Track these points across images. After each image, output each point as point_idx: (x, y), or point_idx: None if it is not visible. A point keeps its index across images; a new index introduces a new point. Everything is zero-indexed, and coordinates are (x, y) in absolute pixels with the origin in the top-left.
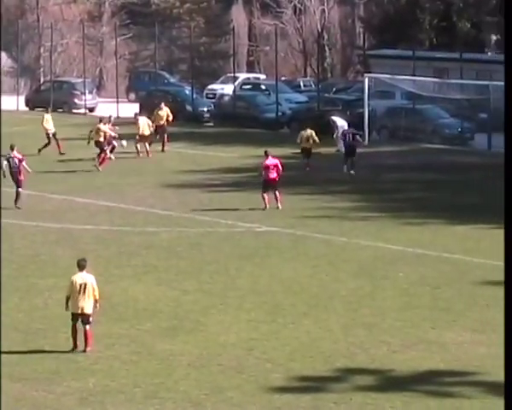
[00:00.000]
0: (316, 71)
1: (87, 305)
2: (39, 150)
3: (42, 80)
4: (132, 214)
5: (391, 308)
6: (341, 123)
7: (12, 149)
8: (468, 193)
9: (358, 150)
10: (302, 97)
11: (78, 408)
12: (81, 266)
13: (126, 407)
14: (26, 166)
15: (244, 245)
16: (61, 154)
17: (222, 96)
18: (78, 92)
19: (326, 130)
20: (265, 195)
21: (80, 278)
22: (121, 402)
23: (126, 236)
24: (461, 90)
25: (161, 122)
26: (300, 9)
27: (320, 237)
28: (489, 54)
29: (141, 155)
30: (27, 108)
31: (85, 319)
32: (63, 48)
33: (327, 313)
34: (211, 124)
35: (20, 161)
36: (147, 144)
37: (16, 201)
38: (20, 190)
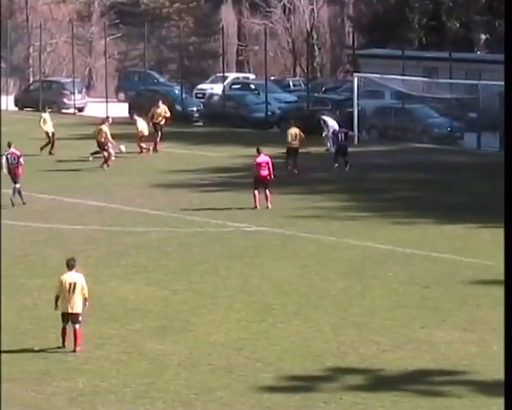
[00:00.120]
0: (305, 70)
1: (77, 304)
2: (41, 149)
3: (31, 80)
4: (122, 214)
5: (380, 308)
6: (332, 123)
7: (9, 145)
8: (457, 192)
9: (349, 150)
10: (291, 97)
11: (67, 408)
12: (70, 265)
13: (116, 407)
14: (23, 165)
15: (234, 245)
16: (51, 154)
17: (211, 95)
18: (68, 92)
19: (315, 129)
20: (256, 193)
21: (69, 277)
22: (111, 402)
23: (116, 236)
24: (450, 90)
25: (159, 120)
26: (290, 9)
27: (309, 237)
28: (478, 53)
29: (144, 151)
30: (16, 108)
31: (75, 318)
32: (52, 47)
33: (317, 313)
34: (200, 123)
35: (19, 156)
36: (143, 144)
37: (13, 196)
38: (17, 186)
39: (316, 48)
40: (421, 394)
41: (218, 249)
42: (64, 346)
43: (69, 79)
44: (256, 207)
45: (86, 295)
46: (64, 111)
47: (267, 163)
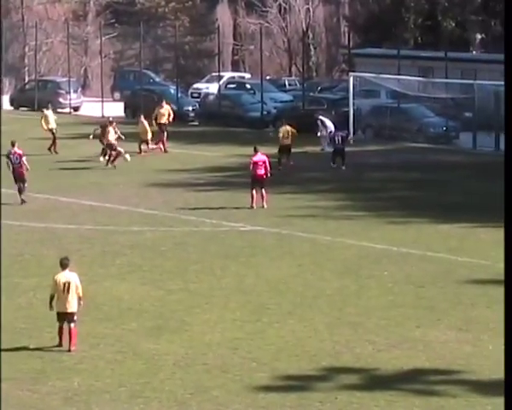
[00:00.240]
0: (301, 70)
1: (72, 303)
2: (49, 149)
3: (26, 79)
4: (117, 214)
5: (376, 307)
6: (329, 123)
7: (13, 145)
8: (452, 192)
9: (344, 154)
10: (287, 96)
11: (62, 408)
12: (64, 264)
13: (111, 406)
14: (26, 163)
15: (229, 244)
16: (48, 151)
17: (207, 95)
18: (63, 91)
19: (311, 129)
20: (254, 192)
21: (64, 276)
22: (106, 402)
23: (111, 235)
24: (446, 89)
25: (163, 120)
26: (285, 8)
27: (305, 236)
28: (474, 53)
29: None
30: (12, 108)
31: (70, 317)
32: (48, 47)
33: (312, 312)
34: (196, 123)
35: (21, 156)
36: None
37: (23, 194)
38: (23, 184)
39: (311, 47)
40: (416, 393)
41: (213, 249)
42: (61, 345)
43: (65, 79)
44: (252, 206)
45: (81, 294)
46: (59, 110)
47: (264, 162)
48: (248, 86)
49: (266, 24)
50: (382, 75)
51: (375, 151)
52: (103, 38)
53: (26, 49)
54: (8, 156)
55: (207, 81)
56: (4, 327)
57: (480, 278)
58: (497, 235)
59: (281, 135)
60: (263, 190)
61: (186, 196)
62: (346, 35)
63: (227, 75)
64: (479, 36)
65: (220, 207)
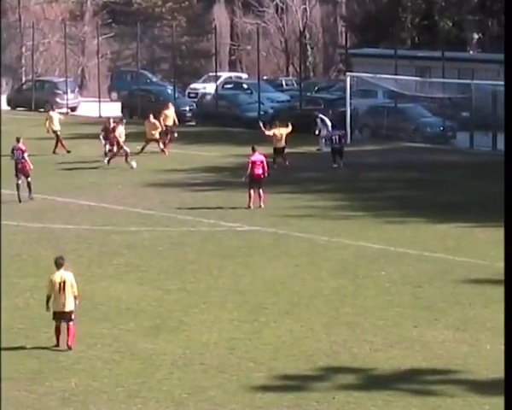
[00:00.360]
0: (298, 70)
1: (68, 303)
2: (54, 151)
3: (24, 80)
4: (114, 214)
5: (373, 307)
6: (328, 122)
7: (18, 140)
8: (449, 192)
9: (342, 153)
10: (284, 96)
11: (60, 408)
12: (59, 264)
13: (109, 406)
14: (28, 161)
15: (226, 244)
16: (54, 153)
17: (204, 95)
18: (60, 92)
19: (308, 129)
20: (252, 192)
21: (59, 276)
22: (104, 402)
23: (108, 235)
24: (443, 89)
25: (169, 122)
26: (282, 8)
27: (302, 236)
28: (471, 52)
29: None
30: (9, 108)
31: (68, 316)
32: (45, 47)
33: (309, 312)
34: (193, 123)
35: (23, 151)
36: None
37: (30, 193)
38: (27, 179)
39: (308, 47)
40: (413, 393)
41: (210, 249)
42: (58, 345)
43: (62, 79)
44: (250, 206)
45: (76, 293)
46: (57, 111)
47: (262, 162)
48: (245, 86)
49: (263, 24)
50: (379, 75)
51: (372, 151)
52: (100, 38)
53: (23, 49)
54: (12, 151)
55: (204, 81)
56: (2, 327)
57: (477, 277)
58: (494, 234)
59: (275, 137)
60: (260, 190)
61: (183, 196)
62: (343, 35)
63: (224, 75)
64: (476, 36)
65: (217, 207)
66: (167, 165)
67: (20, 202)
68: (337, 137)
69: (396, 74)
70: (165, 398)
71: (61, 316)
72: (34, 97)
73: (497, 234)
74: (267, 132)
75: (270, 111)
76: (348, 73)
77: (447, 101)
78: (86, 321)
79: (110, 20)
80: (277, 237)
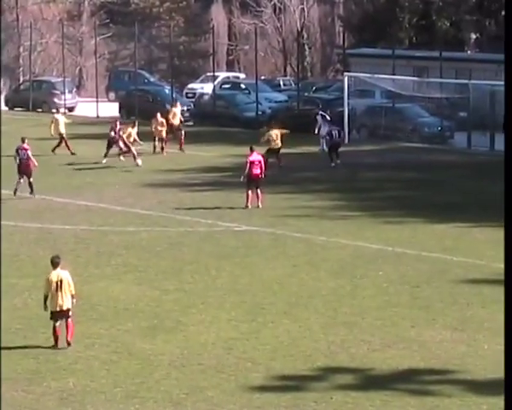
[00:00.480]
0: (295, 70)
1: (65, 301)
2: (68, 149)
3: (21, 80)
4: (112, 214)
5: (371, 307)
6: (329, 119)
7: (23, 141)
8: (447, 192)
9: (339, 150)
10: (282, 96)
11: (58, 408)
12: (55, 263)
13: (106, 407)
14: (33, 159)
15: (224, 245)
16: (53, 152)
17: (202, 95)
18: (58, 92)
19: (306, 129)
20: (250, 192)
21: (56, 275)
22: (101, 402)
23: (106, 235)
24: (440, 89)
25: (176, 121)
26: (280, 8)
27: (300, 237)
28: (468, 52)
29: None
30: (7, 108)
31: (66, 314)
32: (42, 47)
33: (307, 312)
34: (190, 123)
35: (27, 151)
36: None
37: (32, 192)
38: (30, 179)
39: (306, 47)
40: (411, 393)
41: (208, 249)
42: (56, 346)
43: (59, 79)
44: (247, 206)
45: (73, 292)
46: (54, 111)
47: (260, 162)
48: (243, 86)
49: (261, 24)
50: (377, 75)
51: (370, 151)
52: (98, 38)
53: (21, 49)
54: (17, 151)
55: (202, 81)
56: (1, 328)
57: (475, 277)
58: (492, 235)
59: (271, 139)
60: (258, 190)
61: (181, 197)
62: (341, 35)
63: (222, 75)
64: (473, 35)
65: (215, 207)
66: (165, 165)
67: (14, 194)
68: (337, 132)
69: (394, 74)
70: (163, 398)
71: (59, 315)
72: (32, 97)
73: (495, 234)
74: (263, 140)
75: (268, 111)
76: (346, 73)
77: (445, 101)
78: (84, 321)
79: (108, 20)
80: (275, 238)
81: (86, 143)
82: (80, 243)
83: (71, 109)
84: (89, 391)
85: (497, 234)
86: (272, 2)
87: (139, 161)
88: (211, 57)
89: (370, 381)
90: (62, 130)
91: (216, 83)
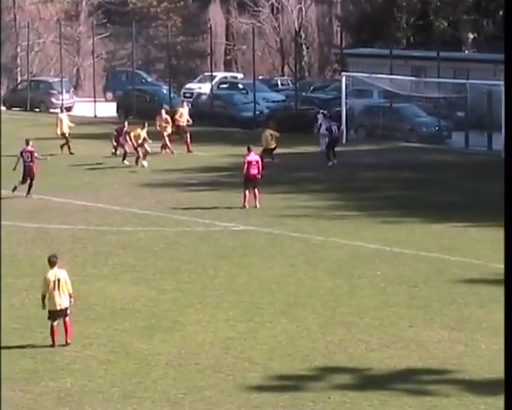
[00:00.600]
0: (293, 70)
1: (63, 300)
2: (70, 152)
3: (19, 80)
4: (109, 214)
5: (369, 307)
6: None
7: (27, 143)
8: (445, 191)
9: (336, 149)
10: (280, 96)
11: (55, 408)
12: (52, 262)
13: (104, 406)
14: (39, 156)
15: (222, 244)
16: (71, 154)
17: (199, 95)
18: (55, 92)
19: (303, 128)
20: (247, 192)
21: (53, 274)
22: (99, 402)
23: (103, 235)
24: (438, 89)
25: (183, 121)
26: (278, 8)
27: (297, 236)
28: (466, 52)
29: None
30: (4, 108)
31: (63, 313)
32: (40, 47)
33: (305, 312)
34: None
35: (32, 153)
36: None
37: (29, 191)
38: (32, 182)
39: (304, 47)
40: (409, 393)
41: (206, 249)
42: (54, 345)
43: (57, 79)
44: (245, 206)
45: (70, 291)
46: (52, 111)
47: (257, 162)
48: (241, 86)
49: (258, 24)
50: (375, 75)
51: (368, 151)
52: (95, 38)
53: (18, 49)
54: (21, 154)
55: (200, 81)
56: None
57: (472, 277)
58: (489, 234)
59: (267, 139)
60: (255, 190)
61: (179, 196)
62: (339, 35)
63: (219, 75)
64: (471, 35)
65: (213, 207)
66: (163, 165)
67: (13, 191)
68: (336, 127)
69: (391, 74)
70: (160, 398)
71: (57, 314)
72: (29, 97)
73: (493, 234)
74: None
75: (266, 111)
76: (343, 73)
77: (442, 101)
78: (81, 321)
79: (105, 20)
80: (273, 237)
81: (84, 143)
82: (78, 243)
83: (68, 109)
84: (86, 391)
85: (495, 234)
86: (270, 2)
87: (145, 163)
88: (208, 57)
89: (368, 381)
90: (65, 129)
91: (213, 83)
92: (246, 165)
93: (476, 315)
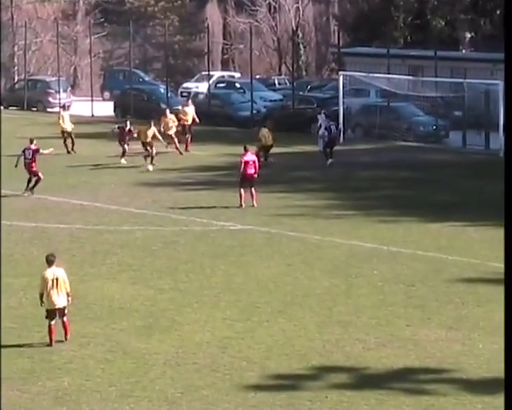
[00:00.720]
0: (290, 69)
1: (61, 299)
2: (72, 149)
3: (16, 79)
4: (107, 213)
5: (366, 306)
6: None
7: (31, 142)
8: (442, 191)
9: (333, 148)
10: (277, 95)
11: (53, 408)
12: (50, 261)
13: (101, 406)
14: (44, 151)
15: (219, 243)
16: (74, 152)
17: (196, 94)
18: (53, 91)
19: (301, 128)
20: (242, 191)
21: (51, 273)
22: (96, 401)
23: (101, 234)
24: (435, 88)
25: (188, 120)
26: (275, 7)
27: (294, 235)
28: (463, 51)
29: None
30: (1, 107)
31: (61, 312)
32: (37, 46)
33: (302, 311)
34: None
35: (35, 151)
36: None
37: (33, 188)
38: (35, 178)
39: (301, 46)
40: (406, 392)
41: (203, 248)
42: (51, 344)
43: (54, 78)
44: (241, 205)
45: (68, 290)
46: (49, 110)
47: (254, 162)
48: (238, 85)
49: (256, 23)
50: (372, 74)
51: (365, 150)
52: (93, 38)
53: (16, 48)
54: (23, 151)
55: (197, 80)
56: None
57: (470, 276)
58: (487, 233)
59: (265, 137)
60: (252, 189)
61: (176, 196)
62: (336, 34)
63: (217, 74)
64: (468, 34)
65: (210, 206)
66: (160, 164)
67: (27, 188)
68: (334, 126)
69: (388, 73)
70: (157, 397)
71: (55, 313)
72: (26, 97)
73: (490, 233)
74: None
75: (263, 110)
76: (341, 72)
77: (440, 100)
78: (79, 320)
79: (102, 20)
80: (270, 237)
81: (81, 143)
82: (75, 242)
83: (65, 108)
84: (84, 390)
85: (493, 233)
86: (267, 2)
87: (150, 167)
88: (206, 56)
89: (365, 380)
90: (68, 127)
91: (211, 82)
92: (242, 165)
93: (474, 314)
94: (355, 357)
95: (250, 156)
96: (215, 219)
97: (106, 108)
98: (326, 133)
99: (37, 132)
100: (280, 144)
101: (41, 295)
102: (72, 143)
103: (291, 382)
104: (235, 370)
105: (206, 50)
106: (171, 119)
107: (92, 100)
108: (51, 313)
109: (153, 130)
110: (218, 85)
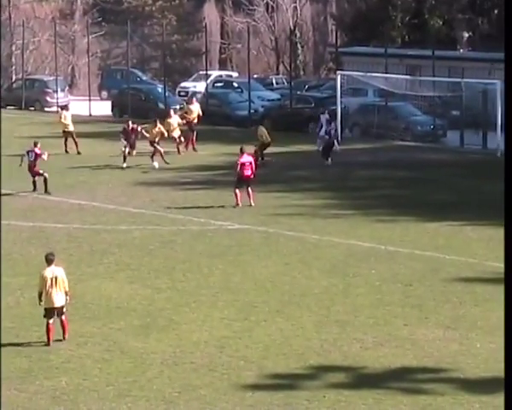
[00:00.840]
0: (288, 68)
1: (60, 298)
2: (66, 150)
3: (14, 78)
4: (104, 212)
5: (363, 305)
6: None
7: (35, 145)
8: (440, 190)
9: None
10: (274, 95)
11: (50, 407)
12: (49, 260)
13: (99, 405)
14: (44, 157)
15: (217, 243)
16: (78, 153)
17: (194, 93)
18: (50, 90)
19: (299, 127)
20: (238, 191)
21: (50, 272)
22: (94, 401)
23: (98, 234)
24: (433, 88)
25: (192, 117)
26: (272, 7)
27: (292, 235)
28: (461, 51)
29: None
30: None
31: (60, 311)
32: (35, 46)
33: (299, 311)
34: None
35: (37, 155)
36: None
37: (46, 188)
38: (41, 178)
39: (299, 46)
40: (403, 391)
41: (200, 247)
42: (49, 344)
43: (52, 78)
44: (238, 204)
45: (67, 289)
46: (47, 109)
47: (250, 163)
48: (236, 85)
49: (253, 22)
50: (370, 73)
51: (363, 149)
52: (90, 37)
53: (13, 47)
54: (27, 153)
55: (195, 80)
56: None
57: (467, 276)
58: (485, 233)
59: (263, 135)
60: (249, 189)
61: (173, 195)
62: (334, 33)
63: (214, 74)
64: (466, 34)
65: (208, 205)
66: (160, 164)
67: (45, 192)
68: (334, 130)
69: (386, 73)
70: (155, 397)
71: (53, 312)
72: (24, 96)
73: (488, 232)
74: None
75: (261, 110)
76: (338, 72)
77: (437, 99)
78: (76, 320)
79: (100, 19)
80: (268, 236)
81: (79, 142)
82: (73, 242)
83: (63, 108)
84: (81, 390)
85: (490, 232)
86: (265, 1)
87: (156, 164)
88: (203, 56)
89: (363, 379)
90: (70, 126)
91: (208, 81)
92: (239, 166)
93: (471, 314)
94: (353, 356)
95: (246, 158)
96: (213, 219)
97: (103, 108)
98: (326, 137)
99: (35, 132)
100: (278, 144)
101: (40, 294)
102: (76, 145)
103: (289, 381)
104: (232, 369)
105: (203, 50)
106: (175, 120)
107: (90, 99)
108: (49, 312)
109: (160, 128)
110: (216, 85)
